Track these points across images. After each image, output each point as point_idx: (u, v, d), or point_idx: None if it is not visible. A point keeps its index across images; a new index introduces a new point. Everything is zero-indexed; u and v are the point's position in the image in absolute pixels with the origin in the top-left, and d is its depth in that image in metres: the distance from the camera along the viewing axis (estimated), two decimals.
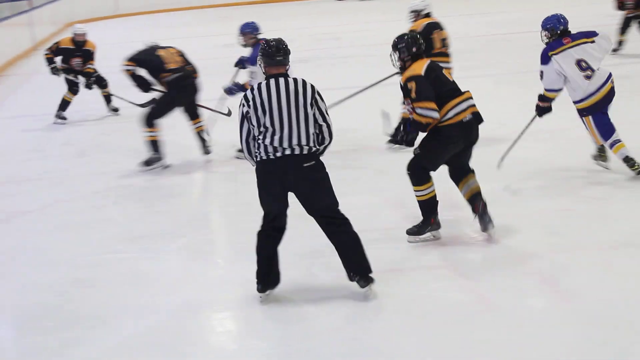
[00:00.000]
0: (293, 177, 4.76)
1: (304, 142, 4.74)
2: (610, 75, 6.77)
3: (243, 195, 7.06)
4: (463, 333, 4.41)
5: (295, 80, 4.83)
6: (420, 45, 5.69)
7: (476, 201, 5.67)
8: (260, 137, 4.75)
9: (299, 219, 5.17)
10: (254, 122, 4.75)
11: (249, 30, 8.35)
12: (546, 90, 6.81)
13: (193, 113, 8.39)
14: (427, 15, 8.59)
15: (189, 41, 18.10)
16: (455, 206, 6.14)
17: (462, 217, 6.02)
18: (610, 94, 6.75)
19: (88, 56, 10.99)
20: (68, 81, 11.00)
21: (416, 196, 5.73)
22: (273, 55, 4.90)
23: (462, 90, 5.62)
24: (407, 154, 7.01)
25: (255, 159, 4.85)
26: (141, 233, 6.37)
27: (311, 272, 5.38)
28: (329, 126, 4.88)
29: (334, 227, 4.89)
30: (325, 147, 4.95)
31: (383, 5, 26.17)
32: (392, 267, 5.33)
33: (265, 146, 4.73)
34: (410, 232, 5.76)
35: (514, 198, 6.48)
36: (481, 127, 5.61)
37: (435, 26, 8.39)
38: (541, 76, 6.81)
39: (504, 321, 4.52)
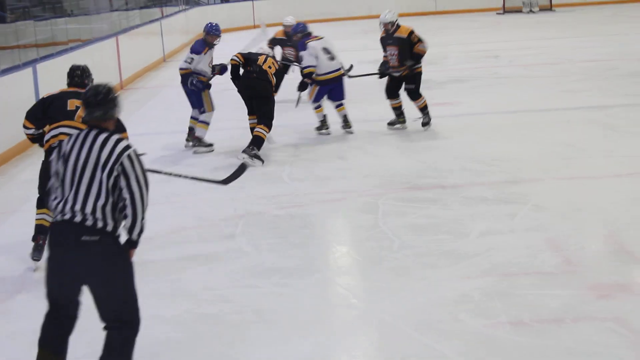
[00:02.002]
0: (73, 252, 4.28)
1: (88, 210, 4.27)
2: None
3: (384, 229, 7.14)
4: None
5: (106, 139, 4.37)
6: None
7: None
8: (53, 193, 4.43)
9: None
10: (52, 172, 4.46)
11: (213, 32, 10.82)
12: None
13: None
14: (399, 25, 11.02)
15: None
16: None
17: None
18: None
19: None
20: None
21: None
22: (89, 106, 4.50)
23: None
24: (571, 188, 6.99)
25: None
26: (271, 266, 6.48)
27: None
28: (134, 203, 4.35)
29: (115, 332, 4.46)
30: (135, 231, 4.43)
31: (548, 19, 25.86)
32: (550, 316, 5.27)
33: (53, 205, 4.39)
34: None
35: None
36: None
37: (414, 31, 11.00)
38: None
39: None
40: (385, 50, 11.21)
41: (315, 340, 5.19)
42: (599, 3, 30.30)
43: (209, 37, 10.88)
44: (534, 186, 8.17)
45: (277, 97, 10.55)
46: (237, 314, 5.63)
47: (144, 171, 4.44)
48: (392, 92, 11.19)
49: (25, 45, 12.91)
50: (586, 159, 9.09)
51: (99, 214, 4.28)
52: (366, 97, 13.92)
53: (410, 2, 30.88)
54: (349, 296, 5.95)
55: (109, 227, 4.33)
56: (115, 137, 4.40)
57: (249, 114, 10.34)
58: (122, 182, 4.32)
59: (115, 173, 4.31)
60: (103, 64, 15.99)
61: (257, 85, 10.11)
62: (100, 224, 4.28)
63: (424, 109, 11.05)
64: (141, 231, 4.48)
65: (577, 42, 19.27)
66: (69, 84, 6.99)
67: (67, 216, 4.28)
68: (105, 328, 4.45)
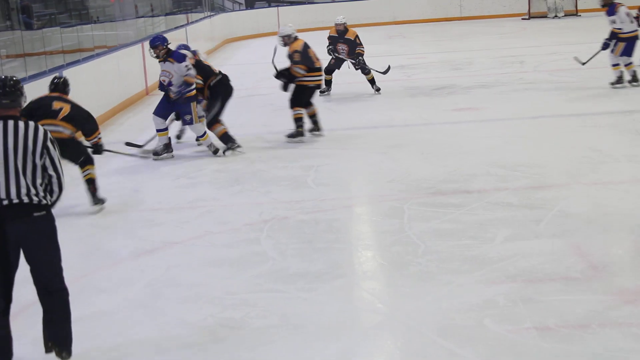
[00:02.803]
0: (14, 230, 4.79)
1: (26, 192, 4.79)
2: None
3: (409, 234, 7.13)
4: None
5: (26, 124, 4.88)
6: None
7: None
8: None
9: None
10: None
11: (159, 43, 10.67)
12: None
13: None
14: (296, 37, 11.42)
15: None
16: None
17: None
18: None
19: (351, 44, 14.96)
20: None
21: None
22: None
23: None
24: (597, 193, 6.96)
25: None
26: (296, 271, 6.48)
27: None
28: (59, 177, 4.97)
29: (48, 298, 5.00)
30: (55, 200, 5.01)
31: (574, 24, 25.76)
32: (576, 322, 5.24)
33: None
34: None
35: None
36: None
37: (308, 45, 11.41)
38: None
39: None
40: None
41: (340, 345, 5.19)
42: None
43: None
44: (559, 191, 8.13)
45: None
46: (261, 319, 5.63)
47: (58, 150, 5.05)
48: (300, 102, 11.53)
49: (52, 52, 13.00)
50: (612, 164, 9.04)
51: (40, 192, 4.87)
52: (390, 103, 13.95)
53: (435, 8, 30.88)
54: (374, 301, 5.94)
55: (45, 202, 4.92)
56: (31, 123, 4.93)
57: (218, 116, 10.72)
58: (48, 162, 4.92)
59: (44, 155, 4.90)
60: (129, 70, 16.08)
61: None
62: (43, 201, 4.89)
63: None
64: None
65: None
66: (52, 90, 8.58)
67: (5, 202, 4.77)
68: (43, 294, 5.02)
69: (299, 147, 10.91)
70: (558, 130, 11.02)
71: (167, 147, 10.77)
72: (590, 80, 14.77)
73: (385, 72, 15.25)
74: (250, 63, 16.13)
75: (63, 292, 5.07)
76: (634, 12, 13.78)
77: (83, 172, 8.63)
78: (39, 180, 4.89)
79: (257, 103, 14.98)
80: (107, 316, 5.87)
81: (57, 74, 8.89)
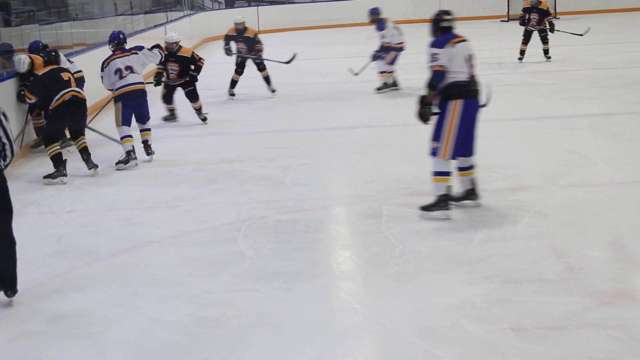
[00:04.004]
0: None
1: None
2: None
3: (387, 235, 7.14)
4: None
5: None
6: None
7: None
8: None
9: None
10: None
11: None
12: None
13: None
14: (181, 46, 12.88)
15: (334, 62, 18.42)
16: None
17: None
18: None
19: (249, 42, 15.26)
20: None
21: None
22: None
23: None
24: (574, 195, 7.01)
25: None
26: (273, 271, 6.48)
27: None
28: (11, 145, 5.93)
29: None
30: (8, 164, 5.97)
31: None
32: (553, 323, 5.26)
33: None
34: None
35: None
36: None
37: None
38: None
39: None
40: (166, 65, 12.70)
41: (318, 345, 5.19)
42: (603, 11, 30.29)
43: None
44: (536, 193, 8.16)
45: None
46: (239, 319, 5.63)
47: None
48: (168, 99, 13.18)
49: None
50: (589, 167, 9.09)
51: None
52: (370, 103, 13.96)
53: (413, 9, 30.86)
54: (351, 301, 5.95)
55: None
56: None
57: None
58: (1, 132, 5.89)
59: None
60: None
61: None
62: None
63: (200, 110, 12.95)
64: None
65: (581, 49, 19.25)
66: (47, 63, 10.10)
67: None
68: None
69: (277, 147, 10.89)
70: (536, 132, 11.07)
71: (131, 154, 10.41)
72: (570, 83, 14.85)
73: (289, 62, 15.93)
74: (229, 62, 16.12)
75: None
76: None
77: (79, 141, 9.98)
78: None
79: (236, 102, 14.97)
80: (84, 315, 5.85)
81: (50, 47, 10.55)
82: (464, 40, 7.60)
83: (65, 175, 9.58)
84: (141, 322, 5.70)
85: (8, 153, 5.91)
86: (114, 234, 7.67)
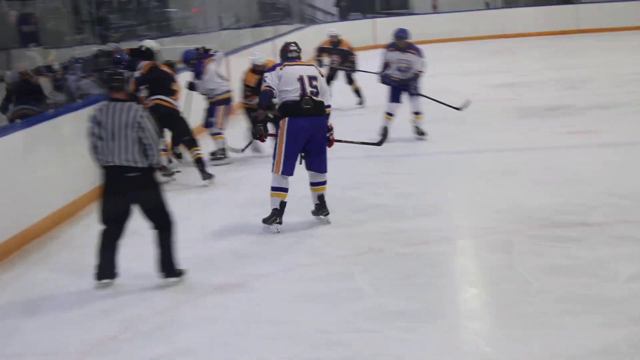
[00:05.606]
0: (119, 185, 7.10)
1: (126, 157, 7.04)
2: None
3: (520, 271, 7.08)
4: None
5: (130, 105, 7.11)
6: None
7: None
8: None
9: None
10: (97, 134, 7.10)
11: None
12: None
13: None
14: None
15: (454, 79, 18.38)
16: None
17: None
18: None
19: (343, 54, 16.93)
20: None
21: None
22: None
23: None
24: None
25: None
26: (394, 309, 6.46)
27: None
28: (156, 145, 7.08)
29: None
30: (155, 163, 7.13)
31: None
32: None
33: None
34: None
35: None
36: None
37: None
38: None
39: None
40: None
41: None
42: None
43: None
44: None
45: None
46: None
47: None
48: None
49: None
50: None
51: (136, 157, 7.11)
52: (497, 125, 13.87)
53: (550, 20, 30.56)
54: (480, 343, 5.90)
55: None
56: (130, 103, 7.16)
57: None
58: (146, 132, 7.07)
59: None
60: None
61: None
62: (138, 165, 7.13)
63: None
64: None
65: None
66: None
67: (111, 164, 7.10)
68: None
69: (395, 172, 10.91)
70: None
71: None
72: None
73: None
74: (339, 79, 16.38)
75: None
76: None
77: (193, 152, 11.09)
78: (135, 147, 7.05)
79: (343, 125, 15.04)
80: (188, 356, 5.94)
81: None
82: (299, 65, 8.84)
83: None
84: None
85: (153, 152, 7.03)
86: (221, 265, 7.77)
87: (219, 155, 12.36)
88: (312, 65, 9.09)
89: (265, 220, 8.71)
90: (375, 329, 6.15)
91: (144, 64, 11.04)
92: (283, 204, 8.72)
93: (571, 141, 12.08)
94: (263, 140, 9.60)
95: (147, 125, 7.05)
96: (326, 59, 17.17)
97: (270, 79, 8.68)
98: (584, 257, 7.27)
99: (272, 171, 8.68)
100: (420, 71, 12.97)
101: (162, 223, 7.26)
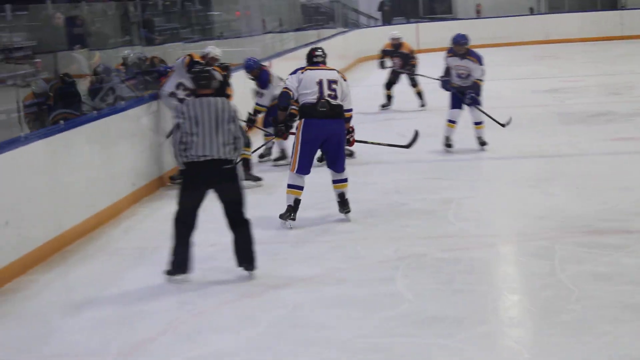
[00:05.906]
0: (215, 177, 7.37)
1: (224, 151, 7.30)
2: None
3: (561, 277, 7.00)
4: None
5: (222, 100, 7.43)
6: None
7: None
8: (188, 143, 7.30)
9: None
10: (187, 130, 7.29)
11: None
12: None
13: None
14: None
15: (497, 84, 18.27)
16: None
17: None
18: None
19: (404, 57, 17.13)
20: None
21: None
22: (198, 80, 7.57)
23: None
24: None
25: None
26: (434, 314, 6.42)
27: None
28: (241, 141, 7.46)
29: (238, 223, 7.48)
30: (237, 157, 7.49)
31: None
32: None
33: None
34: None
35: None
36: None
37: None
38: None
39: None
40: None
41: None
42: None
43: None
44: None
45: None
46: None
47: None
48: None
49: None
50: None
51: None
52: (540, 130, 13.78)
53: (594, 26, 30.33)
54: (521, 351, 5.84)
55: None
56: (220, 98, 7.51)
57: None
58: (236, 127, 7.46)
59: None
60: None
61: None
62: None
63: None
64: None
65: None
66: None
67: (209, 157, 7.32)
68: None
69: (438, 177, 10.87)
70: None
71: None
72: None
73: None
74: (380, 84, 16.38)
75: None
76: None
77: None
78: (229, 141, 7.35)
79: (388, 128, 15.01)
80: (227, 358, 5.93)
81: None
82: (321, 69, 9.15)
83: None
84: None
85: (241, 145, 7.45)
86: (260, 268, 7.75)
87: (279, 155, 12.46)
88: (334, 70, 9.32)
89: (281, 216, 9.03)
90: (415, 334, 6.11)
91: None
92: (297, 201, 9.01)
93: (614, 148, 11.98)
94: (285, 138, 10.39)
95: (239, 119, 7.47)
96: (388, 62, 17.48)
97: (290, 81, 9.10)
98: (626, 264, 7.20)
99: (289, 169, 9.10)
100: (480, 80, 12.49)
101: (243, 214, 7.47)
